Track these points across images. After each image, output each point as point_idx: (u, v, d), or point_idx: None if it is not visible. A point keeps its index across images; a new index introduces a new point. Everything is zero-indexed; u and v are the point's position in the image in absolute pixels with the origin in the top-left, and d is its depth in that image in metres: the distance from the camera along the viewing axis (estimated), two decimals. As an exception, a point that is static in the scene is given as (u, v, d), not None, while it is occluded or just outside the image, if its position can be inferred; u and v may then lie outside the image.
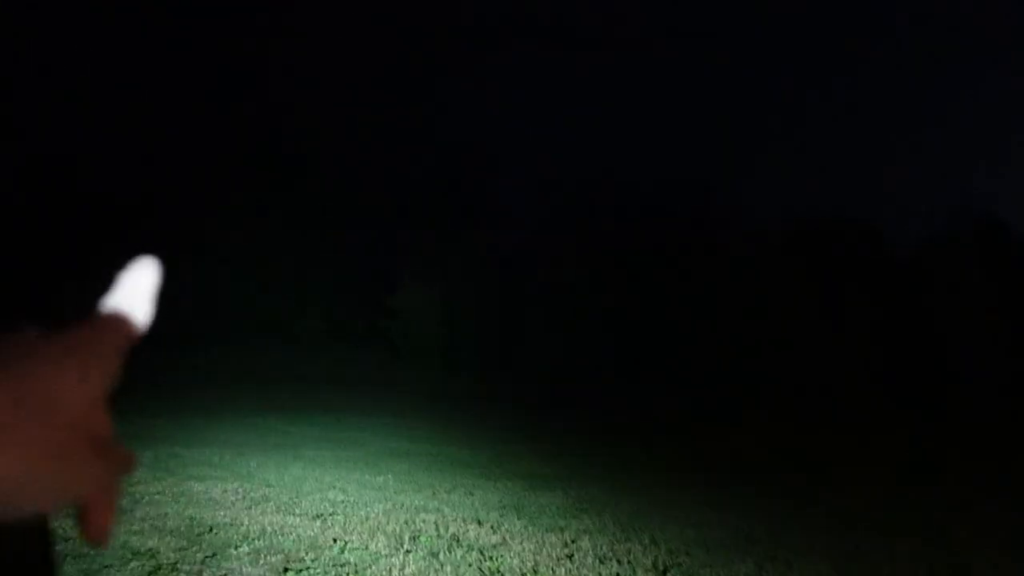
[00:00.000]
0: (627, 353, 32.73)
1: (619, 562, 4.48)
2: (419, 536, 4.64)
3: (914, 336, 33.97)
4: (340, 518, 4.91)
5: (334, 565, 3.88)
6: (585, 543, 4.87)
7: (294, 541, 4.25)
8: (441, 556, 4.24)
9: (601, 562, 4.45)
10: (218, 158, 33.49)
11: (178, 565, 3.65)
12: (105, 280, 0.42)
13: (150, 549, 3.84)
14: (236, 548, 4.01)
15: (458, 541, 4.60)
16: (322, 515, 4.95)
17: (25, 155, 30.85)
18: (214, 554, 3.88)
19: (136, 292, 0.41)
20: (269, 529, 4.46)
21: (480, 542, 4.63)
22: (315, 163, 36.16)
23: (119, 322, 0.39)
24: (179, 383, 12.62)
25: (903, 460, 9.89)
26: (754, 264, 35.89)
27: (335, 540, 4.36)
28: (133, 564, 3.60)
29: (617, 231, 37.95)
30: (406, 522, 4.97)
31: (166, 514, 4.58)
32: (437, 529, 4.86)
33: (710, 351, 32.11)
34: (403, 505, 5.52)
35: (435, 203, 37.25)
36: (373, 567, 3.91)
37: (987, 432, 14.70)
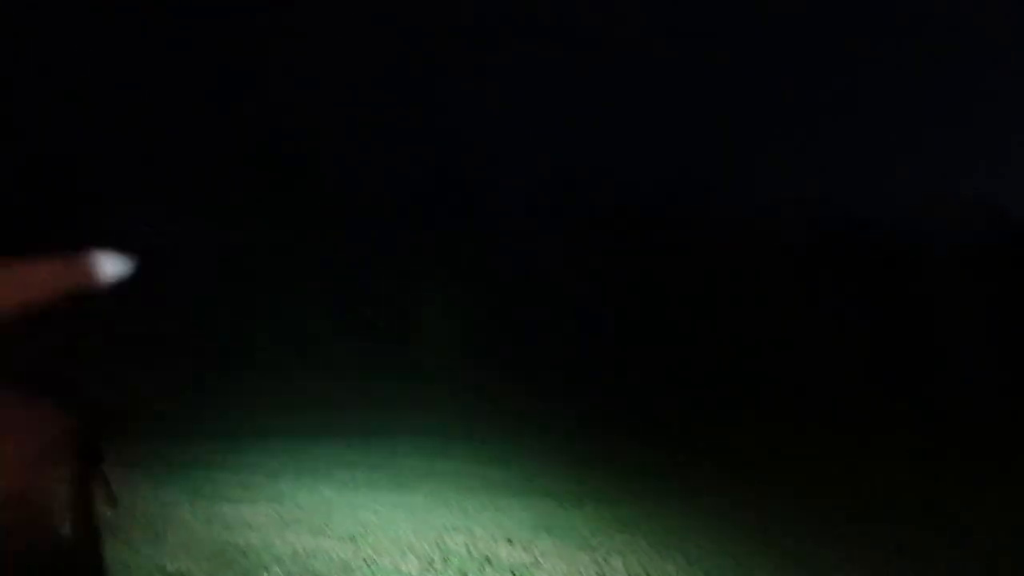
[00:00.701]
0: (627, 352, 32.48)
1: (653, 582, 4.41)
2: (450, 557, 4.60)
3: (914, 335, 33.59)
4: (371, 539, 4.90)
5: (365, 587, 3.87)
6: (617, 563, 4.79)
7: (325, 563, 4.24)
8: (472, 577, 4.20)
9: (635, 582, 4.38)
10: (218, 158, 33.62)
11: (210, 587, 3.67)
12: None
13: (181, 571, 3.86)
14: (267, 570, 4.02)
15: (489, 561, 4.56)
16: (353, 536, 4.94)
17: (25, 155, 31.14)
18: (246, 576, 3.89)
19: (105, 265, 0.39)
20: (301, 551, 4.46)
21: (511, 562, 4.58)
22: (315, 163, 36.20)
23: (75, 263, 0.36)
24: (203, 404, 12.76)
25: (902, 460, 9.83)
26: (754, 263, 35.68)
27: (366, 561, 4.34)
28: (166, 587, 3.62)
29: (616, 230, 37.77)
30: (436, 542, 4.94)
31: (199, 536, 4.61)
32: (468, 550, 4.82)
33: (709, 349, 31.80)
34: (433, 525, 5.49)
35: (435, 202, 37.17)
36: (404, 588, 3.89)
37: (987, 432, 14.50)
